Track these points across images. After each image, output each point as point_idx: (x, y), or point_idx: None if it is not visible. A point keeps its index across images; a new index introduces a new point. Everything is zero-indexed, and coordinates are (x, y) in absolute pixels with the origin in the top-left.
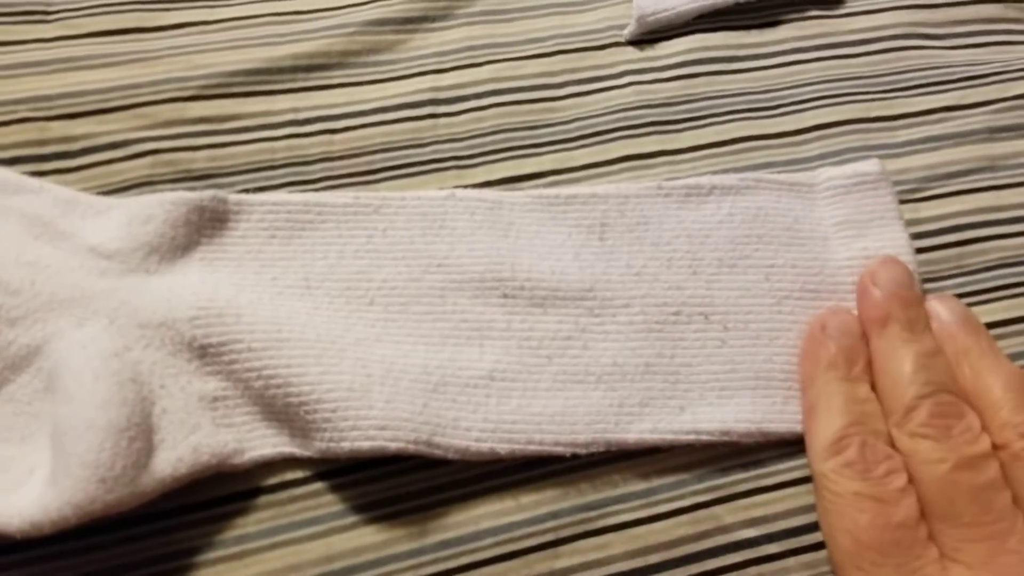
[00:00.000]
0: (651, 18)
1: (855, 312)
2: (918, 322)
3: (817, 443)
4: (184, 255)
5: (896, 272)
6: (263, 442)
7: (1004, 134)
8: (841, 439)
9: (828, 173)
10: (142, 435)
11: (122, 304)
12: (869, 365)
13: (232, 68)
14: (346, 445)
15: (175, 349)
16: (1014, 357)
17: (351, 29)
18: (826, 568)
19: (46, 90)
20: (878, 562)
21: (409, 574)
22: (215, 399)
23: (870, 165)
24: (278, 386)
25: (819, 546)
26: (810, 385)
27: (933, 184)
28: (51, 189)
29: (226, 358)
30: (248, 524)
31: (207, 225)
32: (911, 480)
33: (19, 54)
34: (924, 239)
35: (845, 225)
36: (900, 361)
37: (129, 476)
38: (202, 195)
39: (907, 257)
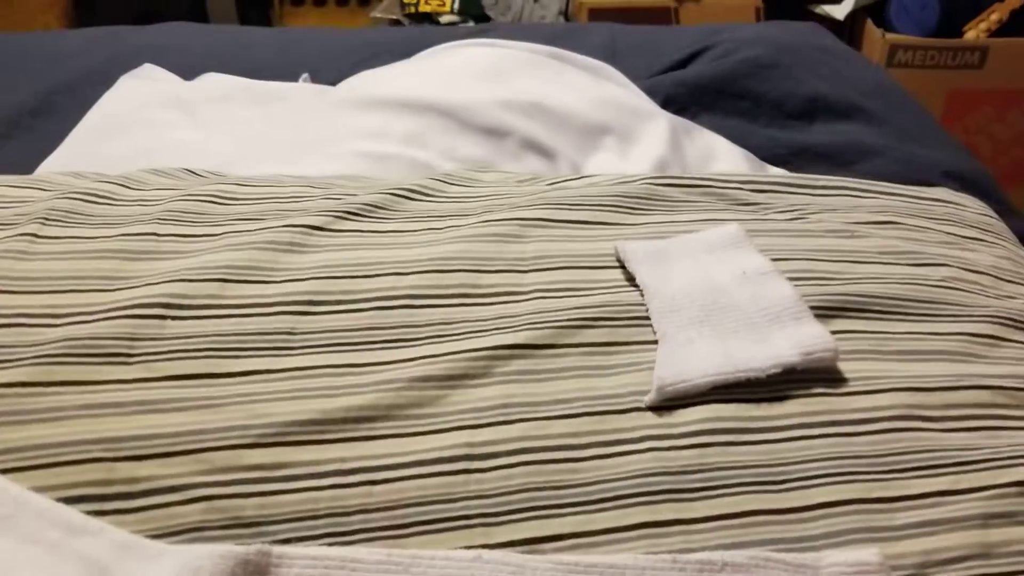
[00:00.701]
0: (670, 388)
1: None
2: None
3: None
4: None
5: None
6: None
7: (997, 521)
8: None
9: (832, 559)
10: None
11: None
12: None
13: (289, 418)
14: None
15: None
16: None
17: (399, 384)
18: None
19: (119, 431)
20: None
21: None
22: None
23: (871, 555)
24: None
25: None
26: None
27: (929, 571)
28: (110, 532)
29: None
30: None
31: None
32: None
33: (99, 394)
34: None
35: None
36: None
37: None
38: (248, 550)
39: None
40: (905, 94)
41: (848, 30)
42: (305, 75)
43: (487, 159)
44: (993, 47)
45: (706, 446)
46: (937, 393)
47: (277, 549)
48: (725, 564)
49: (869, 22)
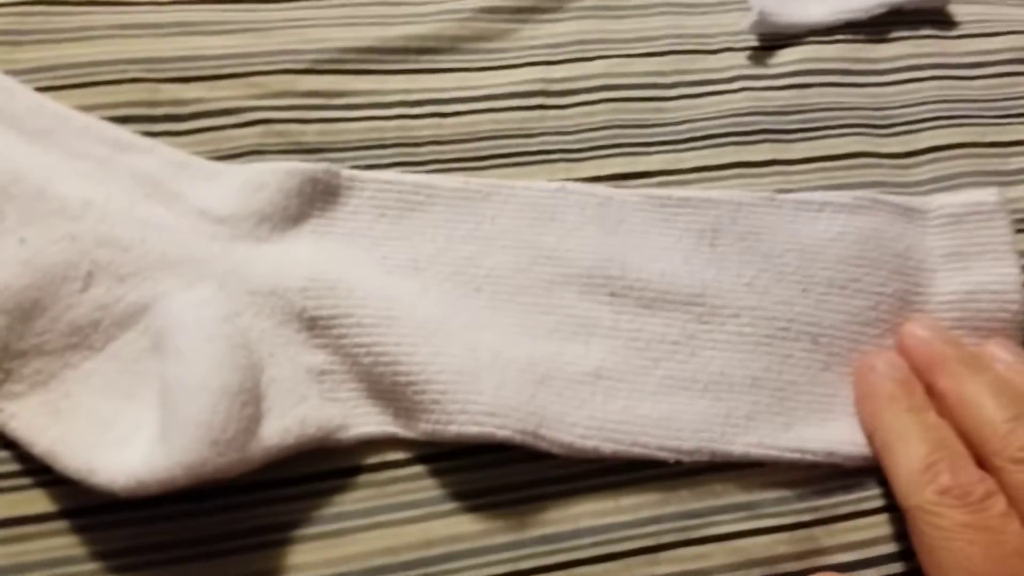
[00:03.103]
0: (771, 19)
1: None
2: (978, 359)
3: (904, 476)
4: (295, 226)
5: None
6: (368, 419)
7: None
8: (930, 466)
9: (942, 200)
10: (253, 401)
11: (232, 269)
12: (927, 395)
13: (344, 45)
14: (453, 429)
15: (284, 319)
16: None
17: (463, 15)
18: None
19: (159, 52)
20: None
21: (506, 567)
22: (322, 372)
23: (987, 195)
24: (387, 364)
25: (916, 573)
26: (877, 424)
27: None
28: (162, 150)
29: (335, 331)
30: (347, 502)
31: (319, 198)
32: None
33: (133, 15)
34: None
35: (953, 257)
36: (975, 393)
37: (240, 441)
38: (316, 167)
39: (1014, 295)
40: None
41: None
42: None
43: None
44: None
45: (805, 87)
46: None
47: (347, 172)
48: (826, 203)
49: None
